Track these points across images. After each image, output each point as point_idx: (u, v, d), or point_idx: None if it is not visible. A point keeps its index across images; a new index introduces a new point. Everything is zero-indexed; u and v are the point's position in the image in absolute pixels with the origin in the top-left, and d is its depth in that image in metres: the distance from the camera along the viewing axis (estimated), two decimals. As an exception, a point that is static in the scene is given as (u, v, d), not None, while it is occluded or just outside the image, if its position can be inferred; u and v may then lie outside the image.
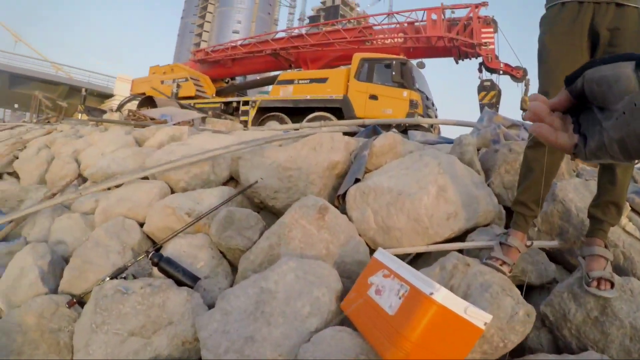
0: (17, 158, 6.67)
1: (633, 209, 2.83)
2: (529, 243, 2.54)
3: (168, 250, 3.18)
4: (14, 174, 6.51)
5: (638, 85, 0.57)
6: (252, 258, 2.83)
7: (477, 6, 14.23)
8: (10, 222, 4.15)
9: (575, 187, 2.99)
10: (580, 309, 2.22)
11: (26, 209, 4.29)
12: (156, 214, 3.51)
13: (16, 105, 37.84)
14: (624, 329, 2.11)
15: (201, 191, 3.76)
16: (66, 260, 3.38)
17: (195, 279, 2.97)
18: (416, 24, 15.20)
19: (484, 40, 13.89)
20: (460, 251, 2.75)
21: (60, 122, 10.46)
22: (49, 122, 11.79)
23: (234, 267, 3.19)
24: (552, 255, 2.87)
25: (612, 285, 2.17)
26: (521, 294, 2.25)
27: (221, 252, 3.25)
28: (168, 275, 2.93)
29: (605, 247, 2.32)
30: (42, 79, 35.59)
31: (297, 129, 7.00)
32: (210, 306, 2.62)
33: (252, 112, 14.05)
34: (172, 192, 4.01)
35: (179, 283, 2.90)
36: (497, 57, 13.82)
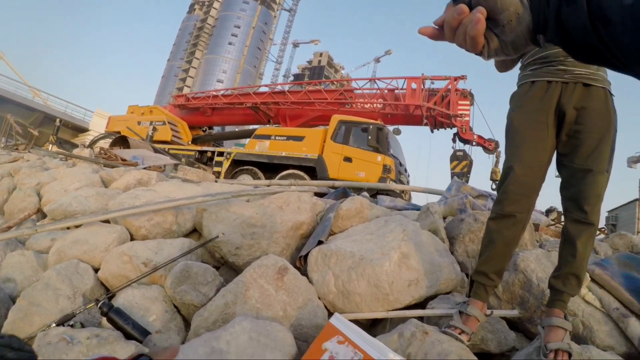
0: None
1: (593, 280, 2.85)
2: (488, 312, 2.53)
3: (120, 300, 3.08)
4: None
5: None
6: (206, 315, 2.75)
7: (456, 79, 14.66)
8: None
9: (537, 258, 3.01)
10: (538, 381, 2.20)
11: (-23, 238, 4.13)
12: (112, 261, 3.40)
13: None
14: (583, 398, 2.10)
15: (161, 241, 3.68)
16: (13, 300, 3.25)
17: (145, 332, 2.86)
18: (396, 91, 15.55)
19: (460, 112, 14.29)
20: (420, 318, 2.72)
21: (28, 151, 10.26)
22: (17, 149, 11.60)
23: (187, 323, 3.07)
24: (513, 324, 2.85)
25: (570, 355, 2.17)
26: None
27: (176, 307, 3.14)
28: (117, 326, 2.81)
29: (565, 317, 2.33)
30: (18, 103, 34.76)
31: (268, 185, 6.99)
32: (160, 364, 2.53)
33: (226, 164, 14.03)
34: (132, 238, 3.91)
35: (128, 336, 2.77)
36: (471, 129, 14.20)
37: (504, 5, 0.77)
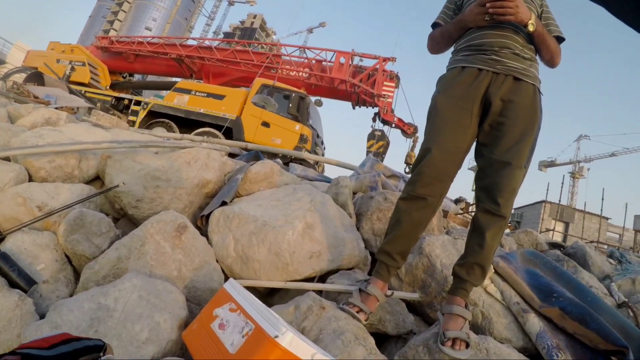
0: None
1: (496, 272, 2.87)
2: (389, 293, 2.51)
3: (8, 245, 2.84)
4: None
5: None
6: (96, 268, 2.58)
7: (385, 59, 14.79)
8: None
9: (443, 244, 3.02)
10: (433, 365, 2.18)
11: None
12: (6, 201, 3.14)
13: None
14: (478, 386, 2.09)
15: (60, 185, 3.42)
16: None
17: (31, 282, 2.65)
18: (324, 63, 15.55)
19: (384, 93, 14.46)
20: (319, 292, 2.66)
21: None
22: None
23: (78, 275, 2.88)
24: (412, 307, 2.86)
25: (468, 345, 2.15)
26: (376, 343, 2.19)
27: (67, 257, 2.95)
28: (1, 273, 2.60)
29: (465, 306, 2.32)
30: None
31: (180, 140, 6.78)
32: (42, 316, 2.35)
33: (142, 114, 13.63)
34: (31, 180, 3.64)
35: (13, 284, 2.57)
36: (392, 111, 14.37)
37: None
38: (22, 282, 2.60)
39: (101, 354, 1.49)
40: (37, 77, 13.55)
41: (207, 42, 18.72)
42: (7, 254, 2.70)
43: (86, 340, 1.54)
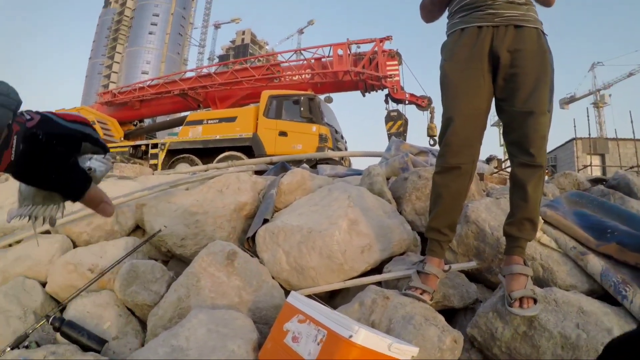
0: None
1: (546, 221, 2.85)
2: (446, 267, 2.50)
3: (71, 312, 2.94)
4: None
5: None
6: (160, 313, 2.63)
7: (381, 40, 14.71)
8: None
9: (487, 207, 2.99)
10: (507, 327, 2.17)
11: None
12: (58, 272, 3.25)
13: None
14: (554, 339, 2.08)
15: (104, 243, 3.52)
16: (-36, 329, 3.07)
17: (101, 342, 2.74)
18: (323, 59, 15.51)
19: (389, 73, 14.37)
20: (379, 284, 2.67)
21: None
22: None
23: (144, 324, 2.95)
24: (472, 276, 2.84)
25: (535, 301, 2.14)
26: (445, 319, 2.19)
27: (129, 309, 3.02)
28: (72, 340, 2.68)
29: (524, 263, 2.30)
30: None
31: (206, 170, 6.84)
32: (121, 371, 2.41)
33: (162, 155, 13.77)
34: (75, 246, 3.73)
35: (85, 348, 2.66)
36: (402, 88, 14.32)
37: None
38: (94, 344, 2.69)
39: None
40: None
41: (204, 70, 18.80)
42: (73, 321, 2.78)
43: None
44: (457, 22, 2.51)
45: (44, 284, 3.36)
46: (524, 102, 2.26)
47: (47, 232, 3.81)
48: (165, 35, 74.15)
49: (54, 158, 0.73)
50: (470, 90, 2.38)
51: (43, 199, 0.80)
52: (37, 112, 0.74)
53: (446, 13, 2.70)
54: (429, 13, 2.79)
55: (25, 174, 0.73)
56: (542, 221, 2.84)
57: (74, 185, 0.78)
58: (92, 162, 0.81)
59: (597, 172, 24.36)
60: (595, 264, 2.49)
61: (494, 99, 2.45)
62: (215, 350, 2.15)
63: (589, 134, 33.81)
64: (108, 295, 3.07)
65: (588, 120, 34.00)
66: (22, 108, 0.70)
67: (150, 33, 73.31)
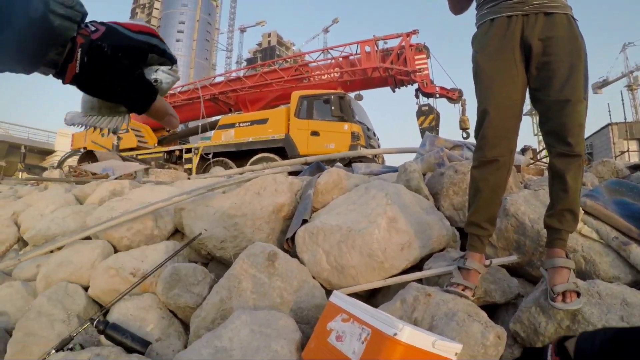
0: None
1: (586, 212, 2.81)
2: (487, 262, 2.49)
3: (115, 315, 3.01)
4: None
5: None
6: (203, 315, 2.67)
7: (408, 34, 14.66)
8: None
9: (525, 199, 2.97)
10: (550, 321, 2.15)
11: (-36, 279, 4.01)
12: (100, 276, 3.32)
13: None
14: (598, 333, 2.06)
15: (145, 248, 3.59)
16: (9, 333, 3.15)
17: (145, 343, 2.79)
18: (351, 57, 15.52)
19: (417, 67, 14.31)
20: (420, 281, 2.67)
21: (-1, 183, 10.09)
22: (-14, 183, 11.37)
23: (186, 326, 3.01)
24: (513, 270, 2.81)
25: (578, 294, 2.11)
26: (487, 315, 2.19)
27: (171, 312, 3.08)
28: (116, 342, 2.74)
29: (566, 256, 2.27)
30: None
31: (241, 173, 6.89)
32: (165, 372, 2.46)
33: (196, 159, 13.93)
34: (116, 251, 3.81)
35: (129, 350, 2.71)
36: (432, 82, 14.23)
37: None
38: (138, 345, 2.75)
39: None
40: (89, 156, 13.97)
41: (234, 74, 18.93)
42: (116, 323, 2.84)
43: None
44: (486, 12, 2.49)
45: (86, 288, 3.44)
46: (559, 90, 2.22)
47: (88, 238, 3.89)
48: (193, 41, 74.90)
49: (118, 71, 0.73)
50: (504, 81, 2.36)
51: (108, 110, 0.81)
52: (102, 23, 0.73)
53: (474, 4, 2.69)
54: (457, 4, 2.78)
55: (90, 87, 0.74)
56: (583, 212, 2.81)
57: (139, 97, 0.78)
58: (159, 73, 0.82)
59: (635, 158, 23.91)
60: (639, 253, 2.46)
61: (528, 88, 2.43)
62: (259, 351, 2.17)
63: (625, 119, 33.11)
64: (150, 298, 3.14)
65: (623, 104, 33.40)
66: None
67: (178, 40, 74.07)
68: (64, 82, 0.71)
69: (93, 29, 0.72)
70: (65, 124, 0.87)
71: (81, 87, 0.73)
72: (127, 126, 0.85)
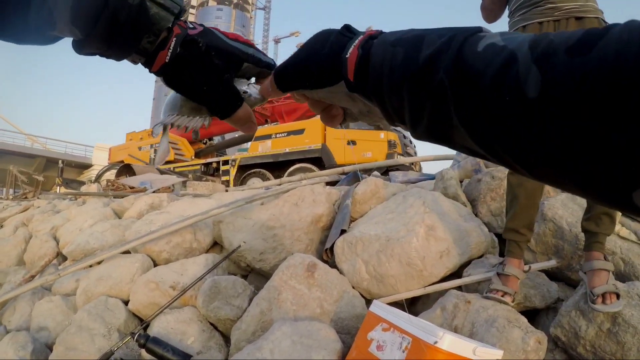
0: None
1: (623, 214, 2.78)
2: (526, 268, 2.49)
3: (155, 329, 3.06)
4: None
5: None
6: (244, 327, 2.71)
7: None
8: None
9: (563, 203, 2.95)
10: (591, 324, 2.15)
11: (4, 294, 4.13)
12: (140, 290, 3.39)
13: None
14: (639, 335, 2.04)
15: (184, 261, 3.64)
16: (50, 348, 3.24)
17: (186, 356, 2.83)
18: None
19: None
20: (459, 288, 2.68)
21: (37, 197, 10.27)
22: (26, 197, 11.61)
23: (227, 339, 3.05)
24: (552, 275, 2.81)
25: (618, 296, 2.10)
26: (527, 320, 2.20)
27: (212, 324, 3.12)
28: (157, 356, 2.79)
29: (605, 258, 2.27)
30: (18, 152, 34.53)
31: (279, 185, 6.94)
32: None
33: (233, 171, 13.99)
34: (155, 264, 3.88)
35: (170, 363, 2.76)
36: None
37: None
38: (179, 358, 2.78)
39: None
40: (126, 170, 14.12)
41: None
42: (157, 337, 2.89)
43: None
44: (518, 19, 2.51)
45: (126, 302, 3.51)
46: None
47: (127, 252, 3.97)
48: (228, 53, 75.63)
49: (209, 70, 0.74)
50: None
51: (190, 110, 0.82)
52: (200, 24, 0.75)
53: (506, 12, 2.70)
54: (491, 12, 2.79)
55: (177, 80, 0.74)
56: (620, 214, 2.78)
57: (224, 102, 0.78)
58: (250, 87, 0.82)
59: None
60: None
61: None
62: (300, 361, 2.21)
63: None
64: (191, 312, 3.17)
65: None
66: None
67: (213, 53, 74.86)
68: (150, 71, 0.72)
69: (191, 26, 0.73)
70: (154, 135, 0.89)
71: (166, 79, 0.74)
72: (206, 126, 0.86)
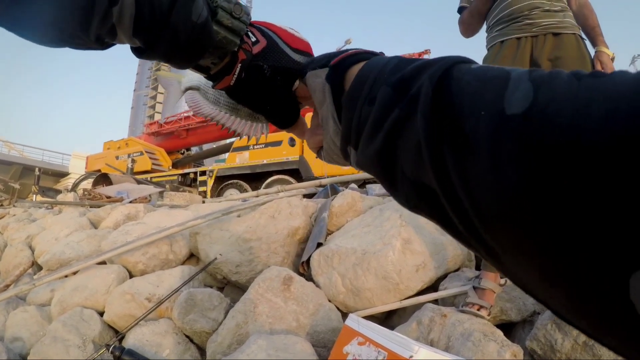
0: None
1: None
2: (502, 281, 2.50)
3: (130, 341, 3.01)
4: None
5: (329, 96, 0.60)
6: (219, 340, 2.68)
7: (420, 54, 14.72)
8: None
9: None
10: (567, 337, 2.16)
11: (-21, 304, 4.04)
12: (115, 302, 3.33)
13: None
14: (615, 348, 2.05)
15: (160, 273, 3.60)
16: (24, 359, 3.18)
17: (161, 369, 2.81)
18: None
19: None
20: (435, 301, 2.68)
21: (13, 205, 10.15)
22: (1, 205, 11.47)
23: (202, 351, 3.01)
24: (528, 288, 2.80)
25: None
26: (504, 333, 2.20)
27: (187, 337, 3.08)
28: (131, 369, 2.76)
29: None
30: None
31: (257, 196, 6.91)
32: (182, 398, 2.47)
33: (210, 182, 13.96)
34: (131, 275, 3.82)
35: (145, 376, 2.73)
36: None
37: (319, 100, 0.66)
38: (154, 371, 2.74)
39: None
40: (103, 179, 14.00)
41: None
42: (132, 349, 2.86)
43: None
44: (496, 35, 2.54)
45: (101, 314, 3.45)
46: None
47: (103, 262, 3.92)
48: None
49: (274, 93, 0.73)
50: None
51: (247, 115, 0.81)
52: (261, 31, 0.71)
53: (484, 27, 2.73)
54: (469, 26, 2.82)
55: (242, 96, 0.74)
56: None
57: (285, 117, 0.78)
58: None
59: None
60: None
61: None
62: (276, 375, 2.19)
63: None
64: (166, 324, 3.13)
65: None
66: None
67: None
68: (212, 87, 0.72)
69: (254, 39, 0.71)
70: (186, 104, 0.87)
71: (230, 95, 0.74)
72: (266, 136, 0.85)
